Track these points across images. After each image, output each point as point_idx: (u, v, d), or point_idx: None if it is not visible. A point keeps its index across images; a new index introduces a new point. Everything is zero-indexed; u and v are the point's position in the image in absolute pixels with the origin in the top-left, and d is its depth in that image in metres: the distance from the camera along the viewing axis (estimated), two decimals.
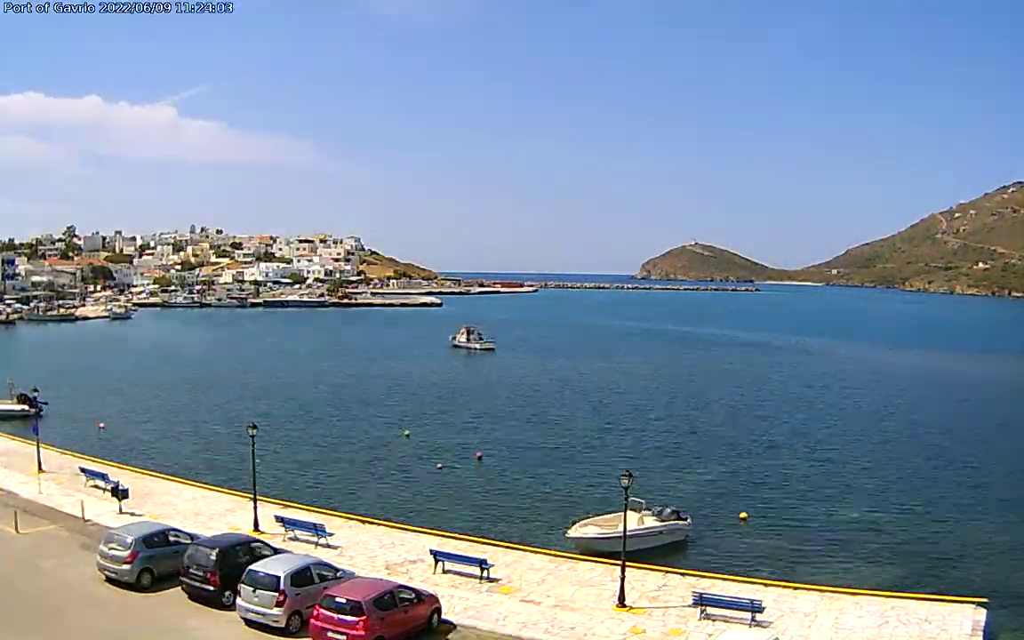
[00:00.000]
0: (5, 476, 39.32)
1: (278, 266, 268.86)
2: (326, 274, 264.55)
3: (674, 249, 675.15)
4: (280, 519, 31.66)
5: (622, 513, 27.58)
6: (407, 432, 56.36)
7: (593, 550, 31.29)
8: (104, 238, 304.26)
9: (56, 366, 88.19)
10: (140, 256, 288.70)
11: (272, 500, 35.18)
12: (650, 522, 33.84)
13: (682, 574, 27.99)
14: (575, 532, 32.91)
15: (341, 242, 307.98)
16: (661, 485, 42.45)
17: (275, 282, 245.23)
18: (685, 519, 35.15)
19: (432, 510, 38.88)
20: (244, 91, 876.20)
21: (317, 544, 30.17)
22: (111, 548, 26.22)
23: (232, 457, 46.11)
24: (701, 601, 24.40)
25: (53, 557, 28.64)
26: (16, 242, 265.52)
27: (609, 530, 32.10)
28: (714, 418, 64.75)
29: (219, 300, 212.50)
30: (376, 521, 33.95)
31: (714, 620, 23.90)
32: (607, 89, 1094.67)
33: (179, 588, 25.73)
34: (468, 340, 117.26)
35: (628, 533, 27.19)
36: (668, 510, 34.81)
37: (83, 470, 39.23)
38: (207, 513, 34.20)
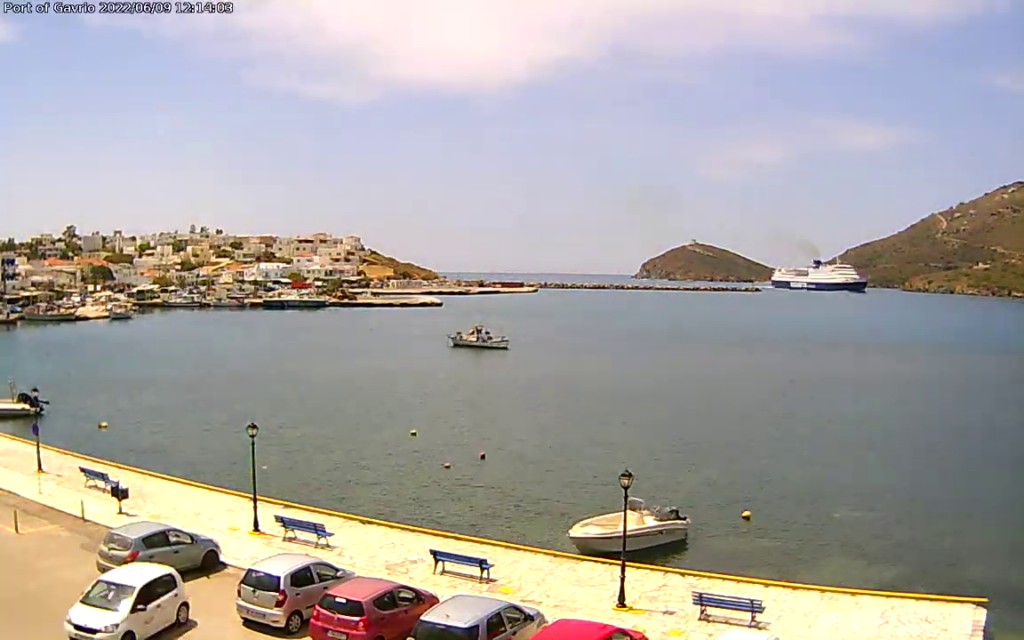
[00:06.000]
0: (5, 476, 39.24)
1: (278, 266, 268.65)
2: (326, 274, 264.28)
3: (674, 249, 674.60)
4: (280, 519, 31.63)
5: (622, 513, 27.61)
6: (414, 431, 56.38)
7: (593, 550, 31.33)
8: (104, 238, 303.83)
9: (56, 366, 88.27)
10: (140, 256, 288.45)
11: (272, 500, 35.15)
12: (649, 522, 33.96)
13: (682, 574, 27.99)
14: (576, 532, 33.06)
15: (341, 242, 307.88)
16: (662, 485, 42.45)
17: (275, 282, 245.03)
18: (684, 519, 35.23)
19: (433, 510, 38.95)
20: None
21: (317, 544, 30.18)
22: (111, 548, 26.22)
23: (232, 457, 46.11)
24: (701, 601, 24.40)
25: (53, 557, 28.60)
26: (16, 242, 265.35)
27: (609, 530, 32.21)
28: (715, 418, 64.76)
29: (219, 300, 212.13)
30: (376, 521, 33.95)
31: (714, 621, 23.90)
32: (606, 88, 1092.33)
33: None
34: (478, 338, 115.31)
35: (628, 533, 27.22)
36: (667, 509, 34.92)
37: (83, 470, 39.15)
38: (207, 513, 34.17)
